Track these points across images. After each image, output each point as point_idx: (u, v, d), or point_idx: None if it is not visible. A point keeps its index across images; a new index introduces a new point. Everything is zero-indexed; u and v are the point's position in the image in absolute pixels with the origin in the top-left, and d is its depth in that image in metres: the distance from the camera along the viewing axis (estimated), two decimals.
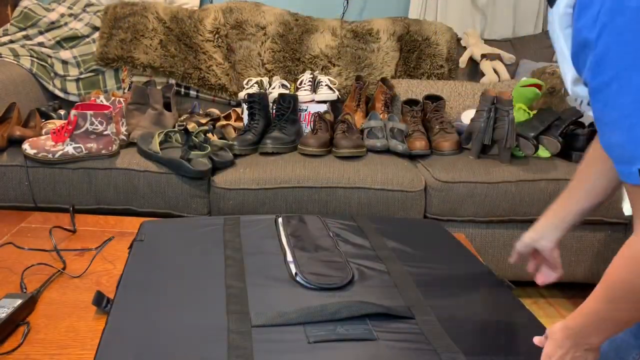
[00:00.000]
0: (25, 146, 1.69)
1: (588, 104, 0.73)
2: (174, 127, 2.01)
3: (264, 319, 0.91)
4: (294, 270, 1.05)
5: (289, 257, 1.11)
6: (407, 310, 0.95)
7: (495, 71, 2.32)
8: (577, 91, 0.74)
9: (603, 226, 1.84)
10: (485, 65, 2.33)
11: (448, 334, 0.89)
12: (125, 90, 2.30)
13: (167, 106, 2.06)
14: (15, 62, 2.20)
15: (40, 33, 2.33)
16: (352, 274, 1.06)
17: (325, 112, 2.05)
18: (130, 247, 1.17)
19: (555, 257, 1.02)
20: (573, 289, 2.01)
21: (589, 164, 0.94)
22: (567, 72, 0.73)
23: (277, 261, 1.11)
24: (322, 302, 0.95)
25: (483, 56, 2.35)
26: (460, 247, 1.25)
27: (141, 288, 1.00)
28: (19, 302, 0.97)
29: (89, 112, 1.67)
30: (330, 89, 2.12)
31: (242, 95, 2.15)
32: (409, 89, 2.25)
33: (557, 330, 0.79)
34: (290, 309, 0.93)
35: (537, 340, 0.85)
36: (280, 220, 1.29)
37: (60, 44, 2.33)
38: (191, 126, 1.98)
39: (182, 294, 0.99)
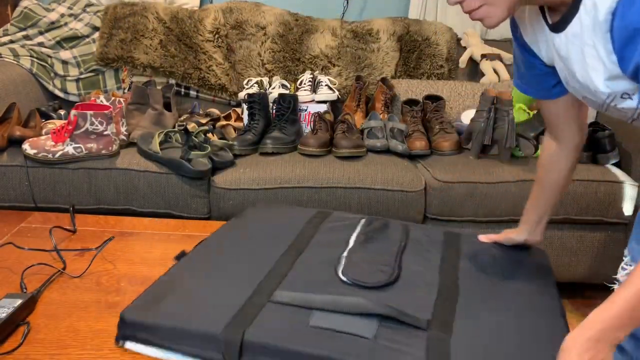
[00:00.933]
0: (25, 146, 1.69)
1: (622, 96, 0.83)
2: (174, 127, 2.01)
3: (283, 297, 0.95)
4: (341, 265, 1.08)
5: (345, 253, 1.14)
6: (424, 322, 0.91)
7: (495, 71, 2.32)
8: (613, 86, 0.83)
9: (603, 226, 1.84)
10: (485, 65, 2.33)
11: (455, 357, 0.84)
12: (125, 90, 2.30)
13: (167, 106, 2.06)
14: (15, 62, 2.21)
15: (40, 33, 2.33)
16: (394, 277, 1.04)
17: (325, 112, 2.05)
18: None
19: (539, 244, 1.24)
20: (573, 289, 2.01)
21: (540, 179, 1.16)
22: (600, 73, 0.82)
23: (333, 255, 1.13)
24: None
25: (483, 56, 2.35)
26: (547, 282, 1.11)
27: (207, 254, 1.14)
28: (19, 302, 0.97)
29: (89, 112, 1.67)
30: (330, 89, 2.12)
31: (242, 95, 2.15)
32: (409, 89, 2.25)
33: (578, 336, 0.78)
34: (313, 295, 0.96)
35: None
36: (363, 220, 1.32)
37: (60, 44, 2.33)
38: (191, 126, 1.98)
39: (234, 266, 1.08)
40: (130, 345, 0.91)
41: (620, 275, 1.15)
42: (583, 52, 0.83)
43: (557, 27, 0.87)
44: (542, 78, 1.02)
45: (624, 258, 1.15)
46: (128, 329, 0.91)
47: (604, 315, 0.78)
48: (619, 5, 0.75)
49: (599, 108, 0.91)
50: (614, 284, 1.16)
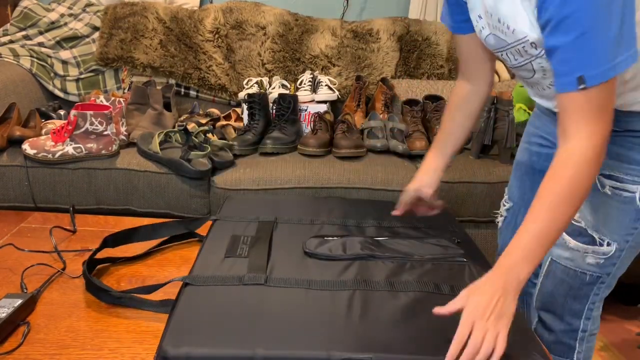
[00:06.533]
0: (25, 146, 1.69)
1: (531, 44, 0.88)
2: (174, 127, 2.01)
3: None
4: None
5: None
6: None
7: (495, 71, 2.32)
8: (531, 32, 0.87)
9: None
10: None
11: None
12: (125, 90, 2.30)
13: (167, 106, 2.06)
14: (15, 62, 2.20)
15: (40, 33, 2.33)
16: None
17: (325, 112, 2.05)
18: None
19: (434, 199, 1.24)
20: None
21: (450, 117, 1.17)
22: (524, 17, 0.86)
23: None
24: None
25: None
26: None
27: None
28: (19, 302, 0.97)
29: (89, 112, 1.67)
30: (330, 89, 2.12)
31: (242, 95, 2.15)
32: (409, 89, 2.25)
33: (482, 283, 0.81)
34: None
35: (443, 309, 0.81)
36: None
37: (60, 44, 2.33)
38: (191, 126, 1.98)
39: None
40: None
41: (501, 210, 1.30)
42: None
43: None
44: (455, 9, 1.05)
45: (504, 196, 1.33)
46: None
47: (510, 258, 0.81)
48: None
49: (501, 48, 0.94)
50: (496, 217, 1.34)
